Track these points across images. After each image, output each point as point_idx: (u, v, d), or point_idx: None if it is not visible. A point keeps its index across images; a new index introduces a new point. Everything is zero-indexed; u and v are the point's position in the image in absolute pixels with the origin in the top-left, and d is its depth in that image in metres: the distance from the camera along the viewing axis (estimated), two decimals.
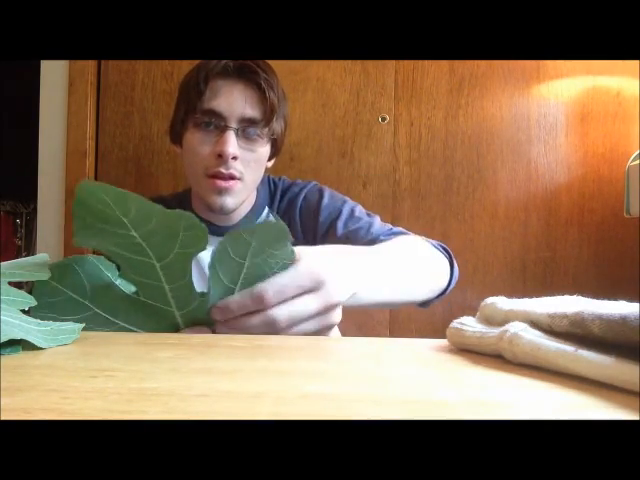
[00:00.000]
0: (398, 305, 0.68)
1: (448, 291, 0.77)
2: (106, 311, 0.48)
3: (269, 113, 0.85)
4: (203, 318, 0.51)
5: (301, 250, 0.48)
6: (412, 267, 0.69)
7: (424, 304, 0.77)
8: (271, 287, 0.44)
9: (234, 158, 0.83)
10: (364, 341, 0.42)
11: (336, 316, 0.48)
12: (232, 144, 0.82)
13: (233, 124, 0.83)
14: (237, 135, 0.84)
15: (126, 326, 0.49)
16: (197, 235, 0.46)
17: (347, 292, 0.50)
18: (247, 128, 0.85)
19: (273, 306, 0.44)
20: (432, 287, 0.73)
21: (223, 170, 0.83)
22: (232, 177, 0.84)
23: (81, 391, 0.24)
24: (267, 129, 0.86)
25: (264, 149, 0.87)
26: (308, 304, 0.45)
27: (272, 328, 0.45)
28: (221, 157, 0.82)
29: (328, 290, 0.46)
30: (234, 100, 0.84)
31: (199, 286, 0.49)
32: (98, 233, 0.44)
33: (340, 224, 0.87)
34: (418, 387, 0.26)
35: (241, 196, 0.87)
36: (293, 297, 0.45)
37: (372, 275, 0.58)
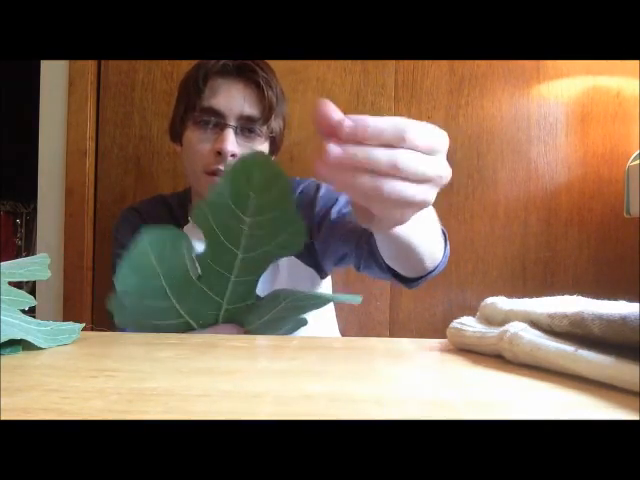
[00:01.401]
0: (414, 256, 0.64)
1: (436, 271, 0.75)
2: (169, 284, 0.49)
3: (267, 111, 0.85)
4: (241, 318, 0.52)
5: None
6: (432, 225, 0.67)
7: (413, 282, 0.75)
8: (413, 129, 0.38)
9: (233, 155, 0.83)
10: (364, 341, 0.42)
11: (434, 194, 0.43)
12: (231, 142, 0.82)
13: (232, 122, 0.84)
14: (236, 133, 0.84)
15: (175, 306, 0.49)
16: (295, 242, 0.47)
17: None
18: (246, 126, 0.85)
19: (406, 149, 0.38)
20: (435, 256, 0.71)
21: (222, 168, 0.83)
22: None
23: (81, 391, 0.24)
24: (266, 127, 0.86)
25: (263, 147, 0.88)
26: (430, 165, 0.40)
27: (392, 172, 0.38)
28: (220, 155, 0.83)
29: (443, 161, 0.41)
30: (233, 98, 0.84)
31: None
32: (221, 208, 0.45)
33: (335, 209, 0.86)
34: (418, 387, 0.26)
35: None
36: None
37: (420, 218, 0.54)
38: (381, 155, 0.38)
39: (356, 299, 0.56)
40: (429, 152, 0.40)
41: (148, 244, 0.48)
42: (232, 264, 0.49)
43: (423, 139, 0.39)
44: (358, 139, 0.38)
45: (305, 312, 0.53)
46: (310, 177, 1.02)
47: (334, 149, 0.38)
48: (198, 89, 0.85)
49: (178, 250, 0.49)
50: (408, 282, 0.76)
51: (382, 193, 0.39)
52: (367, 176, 0.39)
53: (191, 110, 0.86)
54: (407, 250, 0.61)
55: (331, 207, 0.87)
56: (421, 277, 0.74)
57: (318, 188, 0.93)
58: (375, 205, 0.42)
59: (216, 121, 0.84)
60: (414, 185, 0.40)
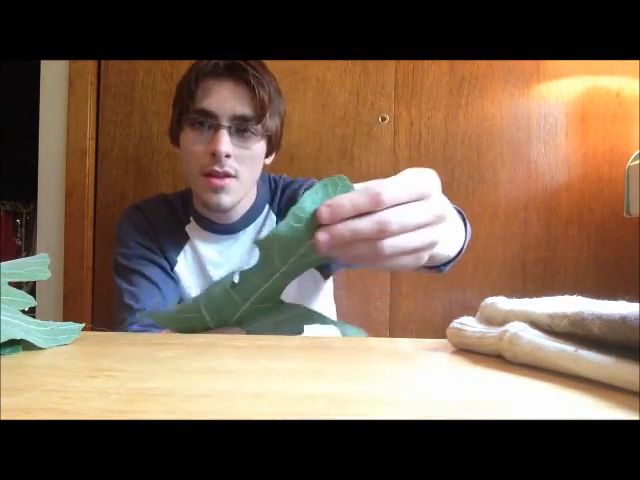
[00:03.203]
0: (439, 257, 0.65)
1: (463, 251, 0.76)
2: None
3: (260, 110, 0.85)
4: (251, 320, 0.52)
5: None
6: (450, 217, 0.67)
7: (441, 267, 0.76)
8: (387, 187, 0.40)
9: (227, 156, 0.83)
10: (364, 341, 0.42)
11: (439, 233, 0.44)
12: (225, 142, 0.83)
13: (225, 122, 0.84)
14: (230, 133, 0.84)
15: (200, 308, 0.50)
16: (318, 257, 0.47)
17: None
18: (240, 126, 0.85)
19: (387, 208, 0.40)
20: (456, 241, 0.72)
21: (218, 168, 0.83)
22: (227, 175, 0.84)
23: (81, 391, 0.24)
24: (260, 126, 0.86)
25: (259, 145, 0.87)
26: (419, 212, 0.41)
27: (382, 234, 0.40)
28: (215, 156, 0.83)
29: (435, 201, 0.43)
30: (224, 99, 0.84)
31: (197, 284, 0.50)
32: (288, 235, 0.45)
33: None
34: (418, 387, 0.26)
35: (238, 194, 0.87)
36: (404, 202, 0.41)
37: None
38: (366, 224, 0.40)
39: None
40: (417, 199, 0.41)
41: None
42: (272, 276, 0.48)
43: (401, 193, 0.40)
44: (340, 218, 0.39)
45: (307, 324, 0.54)
46: (310, 177, 1.02)
47: (321, 236, 0.40)
48: (190, 91, 0.85)
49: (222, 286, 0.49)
50: (434, 270, 0.76)
51: (384, 254, 0.41)
52: (363, 245, 0.40)
53: (185, 112, 0.86)
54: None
55: None
56: (447, 263, 0.74)
57: None
58: (387, 263, 0.43)
59: (210, 122, 0.84)
60: (413, 234, 0.41)
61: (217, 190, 0.84)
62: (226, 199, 0.85)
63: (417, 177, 0.43)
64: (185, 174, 0.92)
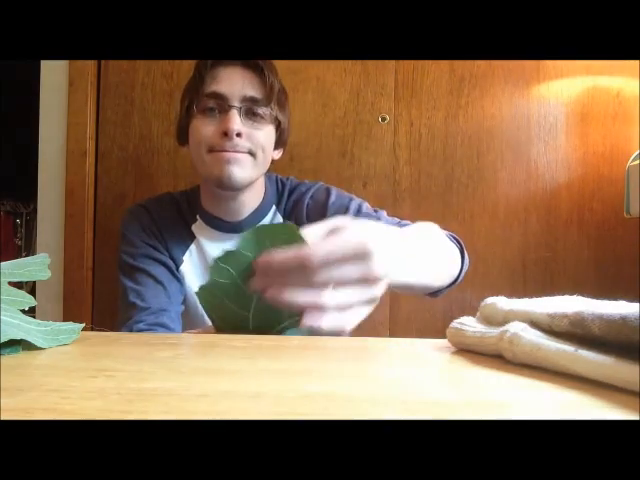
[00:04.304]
0: (420, 289, 0.68)
1: (460, 279, 0.77)
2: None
3: (269, 92, 0.87)
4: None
5: (348, 220, 0.48)
6: (435, 251, 0.69)
7: (435, 293, 0.76)
8: (317, 250, 0.42)
9: (239, 135, 0.84)
10: (364, 341, 0.42)
11: (378, 289, 0.47)
12: (236, 121, 0.84)
13: (236, 103, 0.85)
14: (240, 114, 0.85)
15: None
16: None
17: (390, 270, 0.49)
18: (250, 107, 0.86)
19: (316, 268, 0.42)
20: (449, 272, 0.73)
21: (229, 148, 0.84)
22: (239, 152, 0.85)
23: (81, 391, 0.24)
24: (270, 110, 0.87)
25: (269, 129, 0.88)
26: (349, 273, 0.44)
27: (310, 285, 0.43)
28: (226, 135, 0.83)
29: (372, 263, 0.44)
30: (234, 82, 0.86)
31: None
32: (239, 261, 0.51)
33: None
34: (418, 387, 0.26)
35: (248, 170, 0.86)
36: (336, 263, 0.43)
37: (407, 256, 0.57)
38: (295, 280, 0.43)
39: None
40: (352, 259, 0.43)
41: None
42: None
43: (333, 255, 0.43)
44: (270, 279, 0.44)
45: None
46: (309, 178, 1.02)
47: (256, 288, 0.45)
48: (201, 77, 0.87)
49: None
50: (429, 295, 0.77)
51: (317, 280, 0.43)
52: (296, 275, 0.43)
53: (196, 97, 0.87)
54: (406, 289, 0.63)
55: (343, 215, 0.88)
56: (442, 289, 0.75)
57: (328, 194, 0.93)
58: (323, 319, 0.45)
59: (220, 106, 0.86)
60: (344, 292, 0.44)
61: (229, 161, 0.84)
62: (237, 170, 0.85)
63: (360, 235, 0.45)
64: (195, 162, 0.90)
